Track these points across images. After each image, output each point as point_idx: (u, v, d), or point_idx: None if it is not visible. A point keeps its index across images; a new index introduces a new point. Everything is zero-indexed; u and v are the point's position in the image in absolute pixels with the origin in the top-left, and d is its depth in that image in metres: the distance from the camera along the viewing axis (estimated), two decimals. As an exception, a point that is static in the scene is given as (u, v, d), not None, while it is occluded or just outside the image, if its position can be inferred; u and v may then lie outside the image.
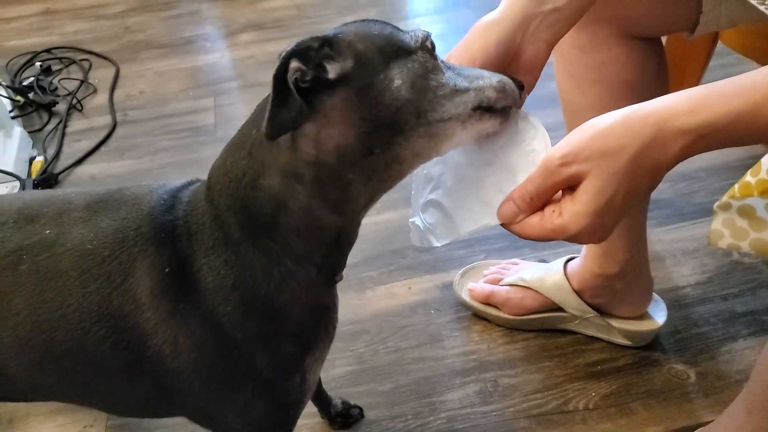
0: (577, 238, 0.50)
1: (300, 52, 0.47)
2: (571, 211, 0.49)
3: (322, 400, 0.94)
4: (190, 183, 0.61)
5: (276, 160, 0.51)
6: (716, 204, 0.45)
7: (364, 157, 0.51)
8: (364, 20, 0.53)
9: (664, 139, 0.46)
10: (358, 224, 0.58)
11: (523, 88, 0.56)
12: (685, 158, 0.47)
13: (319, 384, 0.92)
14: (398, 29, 0.53)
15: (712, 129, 0.45)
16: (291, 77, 0.46)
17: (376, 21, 0.53)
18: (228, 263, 0.55)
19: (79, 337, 0.57)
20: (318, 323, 0.62)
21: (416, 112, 0.50)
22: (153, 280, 0.55)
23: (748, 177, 0.43)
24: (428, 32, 0.53)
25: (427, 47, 0.52)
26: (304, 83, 0.47)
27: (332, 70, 0.48)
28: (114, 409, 0.71)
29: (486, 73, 0.55)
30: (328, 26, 0.50)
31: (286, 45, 0.48)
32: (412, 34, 0.52)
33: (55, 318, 0.57)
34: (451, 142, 0.53)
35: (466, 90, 0.52)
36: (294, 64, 0.47)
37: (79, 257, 0.57)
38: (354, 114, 0.49)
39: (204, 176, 0.59)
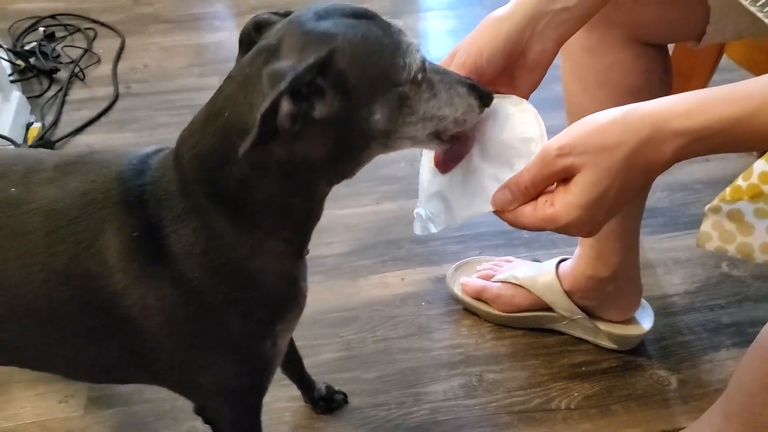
0: (566, 229, 0.50)
1: (293, 89, 0.46)
2: (563, 201, 0.49)
3: (305, 382, 0.94)
4: (160, 149, 0.61)
5: None
6: (707, 207, 0.46)
7: (331, 164, 0.54)
8: (367, 26, 0.51)
9: (660, 140, 0.47)
10: (323, 204, 0.60)
11: (487, 105, 0.57)
12: (680, 160, 0.48)
13: (302, 366, 0.93)
14: (398, 47, 0.51)
15: (707, 133, 0.46)
16: (281, 123, 0.46)
17: (373, 31, 0.51)
18: (196, 231, 0.55)
19: (44, 297, 0.57)
20: (288, 291, 0.63)
21: (385, 135, 0.53)
22: (122, 243, 0.55)
23: (740, 181, 0.44)
24: (424, 58, 0.52)
25: (417, 80, 0.52)
26: (291, 130, 0.47)
27: (319, 110, 0.48)
28: (75, 374, 0.71)
29: (460, 96, 0.55)
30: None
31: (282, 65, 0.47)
32: (408, 63, 0.51)
33: (18, 276, 0.56)
34: (401, 149, 0.57)
35: (431, 118, 0.54)
36: (285, 107, 0.46)
37: (46, 217, 0.57)
38: (329, 136, 0.51)
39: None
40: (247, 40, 0.55)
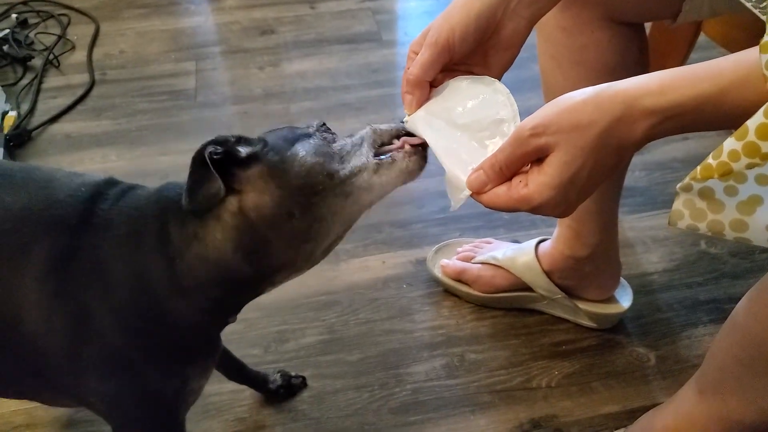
0: (540, 209, 0.50)
1: (217, 141, 0.54)
2: (536, 181, 0.49)
3: (255, 379, 0.94)
4: (111, 183, 0.63)
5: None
6: (678, 185, 0.46)
7: (286, 220, 0.56)
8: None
9: (632, 118, 0.47)
10: (270, 283, 0.62)
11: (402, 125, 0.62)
12: (652, 139, 0.48)
13: (246, 369, 0.92)
14: (300, 127, 0.61)
15: (679, 110, 0.46)
16: (209, 156, 0.53)
17: (283, 128, 0.61)
18: (128, 266, 0.57)
19: None
20: (202, 344, 0.65)
21: (327, 173, 0.56)
22: (47, 260, 0.56)
23: (710, 159, 0.44)
24: (322, 121, 0.61)
25: (322, 129, 0.60)
26: (217, 155, 0.53)
27: (243, 150, 0.56)
28: None
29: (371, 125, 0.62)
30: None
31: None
32: (309, 123, 0.61)
33: None
34: (372, 193, 0.58)
35: (361, 141, 0.59)
36: (210, 148, 0.53)
37: None
38: (269, 183, 0.56)
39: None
40: None
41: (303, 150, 0.57)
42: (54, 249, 0.57)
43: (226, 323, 0.65)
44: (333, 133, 0.60)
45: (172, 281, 0.58)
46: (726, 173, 0.43)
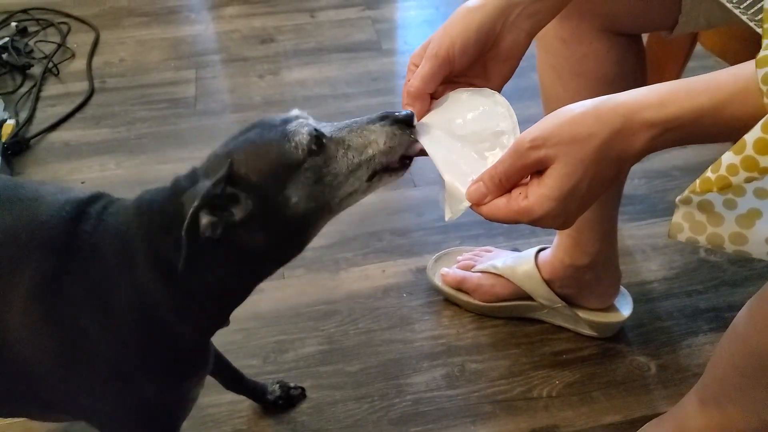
0: (541, 221, 0.50)
1: (207, 204, 0.52)
2: (536, 193, 0.50)
3: (253, 390, 0.94)
4: (94, 199, 0.62)
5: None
6: (678, 198, 0.47)
7: (276, 247, 0.58)
8: (248, 135, 0.57)
9: (631, 130, 0.47)
10: (251, 290, 0.63)
11: (409, 124, 0.59)
12: (652, 151, 0.48)
13: (243, 378, 0.92)
14: (284, 134, 0.56)
15: (678, 123, 0.46)
16: (204, 232, 0.52)
17: (261, 133, 0.57)
18: (127, 287, 0.57)
19: None
20: (199, 353, 0.66)
21: (321, 208, 0.57)
22: (33, 284, 0.56)
23: (709, 173, 0.44)
24: (311, 129, 0.57)
25: (313, 149, 0.56)
26: (216, 236, 0.53)
27: (238, 213, 0.54)
28: None
29: (375, 132, 0.58)
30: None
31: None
32: (297, 141, 0.56)
33: None
34: (353, 204, 0.61)
35: (359, 166, 0.58)
36: (205, 219, 0.52)
37: None
38: (261, 229, 0.56)
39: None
40: None
41: (296, 195, 0.56)
42: (41, 271, 0.56)
43: (215, 331, 0.65)
44: (323, 149, 0.57)
45: (169, 299, 0.57)
46: (725, 187, 0.43)
